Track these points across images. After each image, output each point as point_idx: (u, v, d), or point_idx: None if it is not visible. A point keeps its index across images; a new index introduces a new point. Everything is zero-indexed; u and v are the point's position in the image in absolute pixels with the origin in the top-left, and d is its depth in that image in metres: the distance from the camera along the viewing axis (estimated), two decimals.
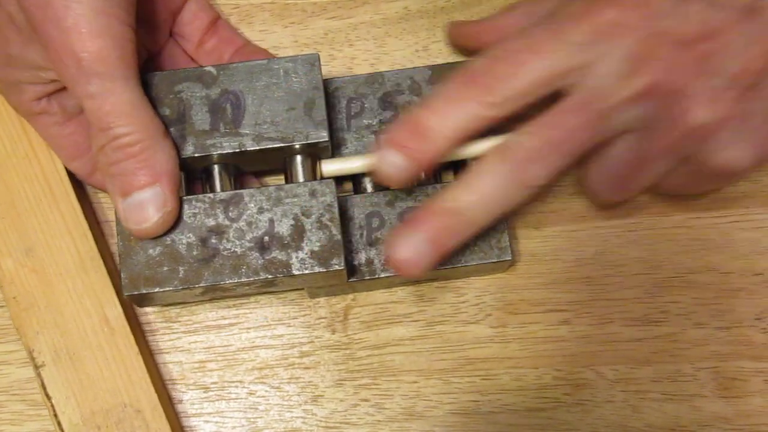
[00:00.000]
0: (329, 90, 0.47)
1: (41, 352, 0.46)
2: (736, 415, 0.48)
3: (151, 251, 0.44)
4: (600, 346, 0.49)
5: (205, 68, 0.45)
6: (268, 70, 0.45)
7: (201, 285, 0.43)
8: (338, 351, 0.49)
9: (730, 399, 0.48)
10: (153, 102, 0.44)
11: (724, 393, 0.48)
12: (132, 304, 0.48)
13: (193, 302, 0.49)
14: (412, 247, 0.42)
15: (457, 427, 0.48)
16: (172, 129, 0.45)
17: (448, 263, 0.46)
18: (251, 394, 0.48)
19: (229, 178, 0.46)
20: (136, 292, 0.43)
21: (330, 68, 0.51)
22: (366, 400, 0.48)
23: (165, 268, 0.44)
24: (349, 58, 0.51)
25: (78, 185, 0.49)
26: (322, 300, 0.49)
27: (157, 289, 0.43)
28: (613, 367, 0.49)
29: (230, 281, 0.43)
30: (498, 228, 0.47)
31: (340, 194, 0.47)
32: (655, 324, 0.49)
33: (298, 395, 0.48)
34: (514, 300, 0.49)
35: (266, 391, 0.49)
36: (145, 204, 0.42)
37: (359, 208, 0.47)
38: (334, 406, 0.48)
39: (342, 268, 0.44)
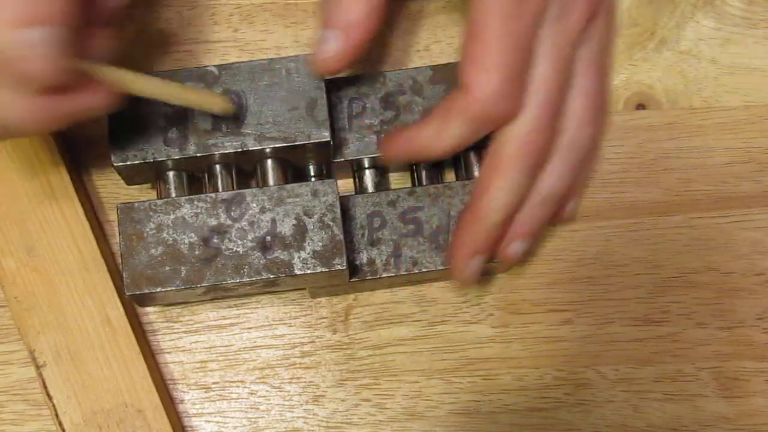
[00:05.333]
0: (331, 90, 0.47)
1: (42, 352, 0.46)
2: (738, 415, 0.48)
3: (153, 251, 0.44)
4: (601, 346, 0.49)
5: (207, 67, 0.45)
6: (270, 70, 0.45)
7: (203, 285, 0.43)
8: (339, 351, 0.49)
9: (732, 399, 0.48)
10: (155, 101, 0.44)
11: (726, 393, 0.48)
12: (133, 304, 0.48)
13: (195, 302, 0.49)
14: None
15: (459, 427, 0.48)
16: (173, 128, 0.45)
17: (449, 264, 0.46)
18: (252, 394, 0.48)
19: (231, 177, 0.46)
20: (138, 292, 0.43)
21: None
22: (367, 400, 0.48)
23: (167, 268, 0.44)
24: None
25: (79, 184, 0.49)
26: (323, 300, 0.49)
27: (159, 289, 0.43)
28: (615, 367, 0.49)
29: (232, 281, 0.43)
30: None
31: (342, 194, 0.47)
32: (657, 324, 0.49)
33: (300, 395, 0.48)
34: (516, 300, 0.49)
35: (267, 391, 0.49)
36: None
37: (361, 207, 0.47)
38: (336, 406, 0.48)
39: (344, 268, 0.44)
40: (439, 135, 0.44)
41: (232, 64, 0.45)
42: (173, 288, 0.43)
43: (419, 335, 0.49)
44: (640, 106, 0.51)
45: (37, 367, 0.46)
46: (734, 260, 0.50)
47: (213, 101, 0.43)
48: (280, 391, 0.49)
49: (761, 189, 0.50)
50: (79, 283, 0.47)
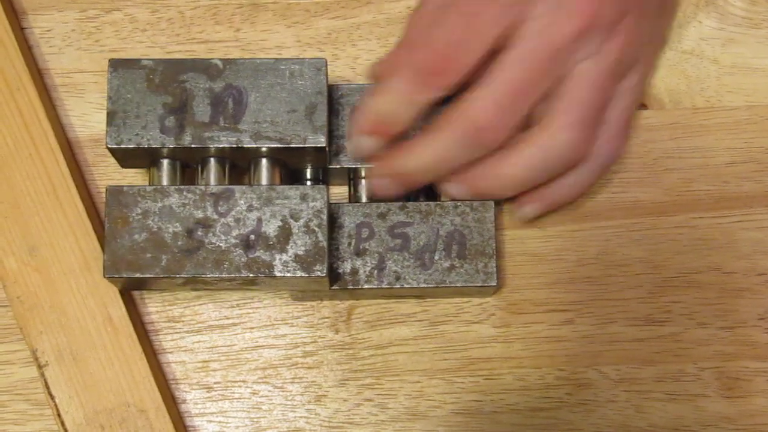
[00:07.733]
0: (334, 96, 0.47)
1: (45, 352, 0.46)
2: (740, 415, 0.48)
3: (136, 236, 0.44)
4: (603, 346, 0.49)
5: (212, 60, 0.45)
6: (274, 70, 0.45)
7: (182, 276, 0.43)
8: (341, 351, 0.49)
9: (734, 399, 0.48)
10: (156, 88, 0.44)
11: (728, 393, 0.48)
12: (133, 304, 0.48)
13: (195, 302, 0.49)
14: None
15: (460, 426, 0.48)
16: (171, 117, 0.45)
17: (432, 282, 0.46)
18: (254, 393, 0.49)
19: (223, 172, 0.46)
20: (116, 275, 0.43)
21: (333, 68, 0.51)
22: (369, 400, 0.48)
23: (148, 255, 0.44)
24: (352, 58, 0.51)
25: (81, 184, 0.49)
26: (325, 300, 0.49)
27: (137, 275, 0.43)
28: (616, 367, 0.49)
29: (211, 275, 0.43)
30: (486, 252, 0.47)
31: (333, 201, 0.47)
32: (658, 324, 0.49)
33: (302, 395, 0.49)
34: (517, 300, 0.49)
35: (269, 390, 0.49)
36: None
37: (350, 216, 0.47)
38: (338, 406, 0.48)
39: (324, 275, 0.44)
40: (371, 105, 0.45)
41: (237, 59, 0.45)
42: (152, 275, 0.43)
43: (421, 335, 0.49)
44: (642, 106, 0.51)
45: (39, 366, 0.46)
46: (736, 260, 0.49)
47: None
48: (282, 391, 0.49)
49: (763, 189, 0.50)
50: (81, 283, 0.47)
